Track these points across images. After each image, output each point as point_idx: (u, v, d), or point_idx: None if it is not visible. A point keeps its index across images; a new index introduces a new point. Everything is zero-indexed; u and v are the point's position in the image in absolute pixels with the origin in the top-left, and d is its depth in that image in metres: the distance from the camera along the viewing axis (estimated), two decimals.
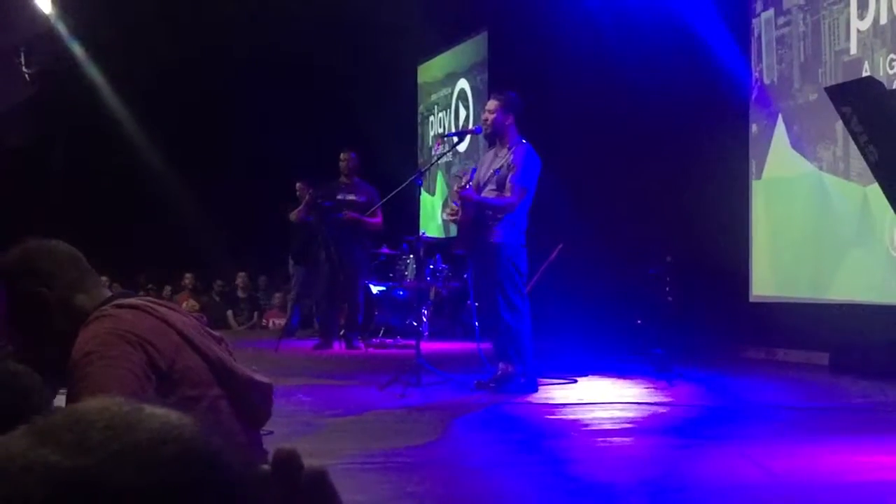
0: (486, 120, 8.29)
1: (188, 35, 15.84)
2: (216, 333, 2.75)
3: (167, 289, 16.62)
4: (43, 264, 2.64)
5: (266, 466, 0.86)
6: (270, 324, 16.29)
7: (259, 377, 2.72)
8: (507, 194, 7.98)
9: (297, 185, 13.58)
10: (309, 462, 0.88)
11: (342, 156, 12.18)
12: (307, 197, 13.19)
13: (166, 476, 0.76)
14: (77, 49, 16.48)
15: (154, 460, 0.76)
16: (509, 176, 7.99)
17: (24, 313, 2.63)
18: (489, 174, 8.16)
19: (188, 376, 2.52)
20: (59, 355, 2.50)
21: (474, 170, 8.46)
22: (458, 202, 8.16)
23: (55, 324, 2.61)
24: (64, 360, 2.47)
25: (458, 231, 8.43)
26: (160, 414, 0.80)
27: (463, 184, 8.05)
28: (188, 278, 17.18)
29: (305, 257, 13.33)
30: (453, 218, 8.33)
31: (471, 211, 8.06)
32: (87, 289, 2.67)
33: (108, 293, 2.70)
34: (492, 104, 8.29)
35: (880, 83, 6.24)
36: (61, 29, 15.85)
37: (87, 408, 0.80)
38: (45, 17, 15.40)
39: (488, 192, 8.10)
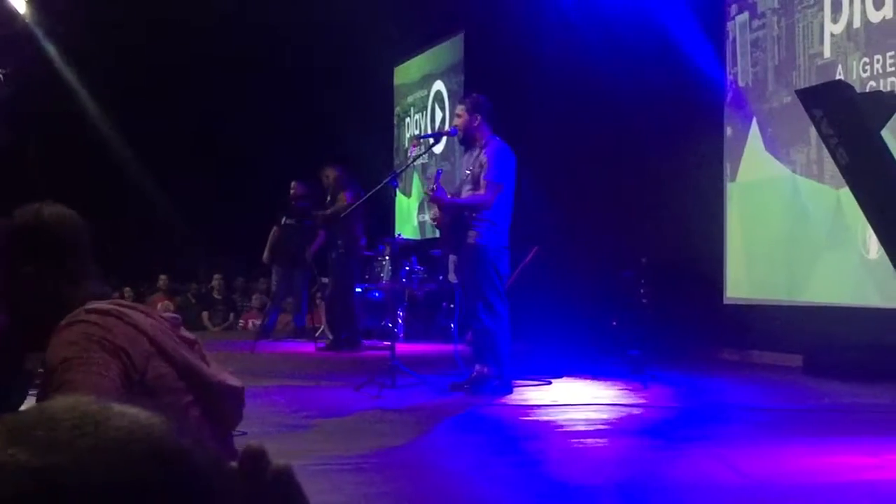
0: (457, 126, 8.34)
1: (164, 37, 15.79)
2: (189, 336, 2.67)
3: (127, 290, 16.38)
4: (55, 235, 2.51)
5: (234, 464, 0.87)
6: (250, 325, 16.25)
7: (231, 381, 2.66)
8: (482, 192, 8.00)
9: (293, 183, 13.53)
10: (276, 459, 0.88)
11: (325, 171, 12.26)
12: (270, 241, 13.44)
13: (135, 474, 0.76)
14: (52, 49, 16.39)
15: (123, 458, 0.76)
16: (482, 174, 8.02)
17: (11, 282, 2.52)
18: (466, 176, 8.19)
19: (159, 385, 2.46)
20: (26, 338, 2.46)
21: (439, 172, 8.45)
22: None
23: (33, 306, 2.52)
24: (28, 344, 2.43)
25: (441, 233, 8.45)
26: (129, 412, 0.81)
27: (431, 187, 8.09)
28: (163, 280, 17.12)
29: (283, 259, 13.35)
30: (435, 220, 8.37)
31: (448, 212, 8.08)
32: (79, 279, 2.55)
33: (92, 290, 2.57)
34: (459, 108, 8.38)
35: (851, 86, 6.28)
36: (36, 29, 15.78)
37: (56, 406, 0.80)
38: (20, 17, 15.33)
39: (466, 193, 8.12)
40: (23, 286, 2.50)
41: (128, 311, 2.50)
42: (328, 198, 12.16)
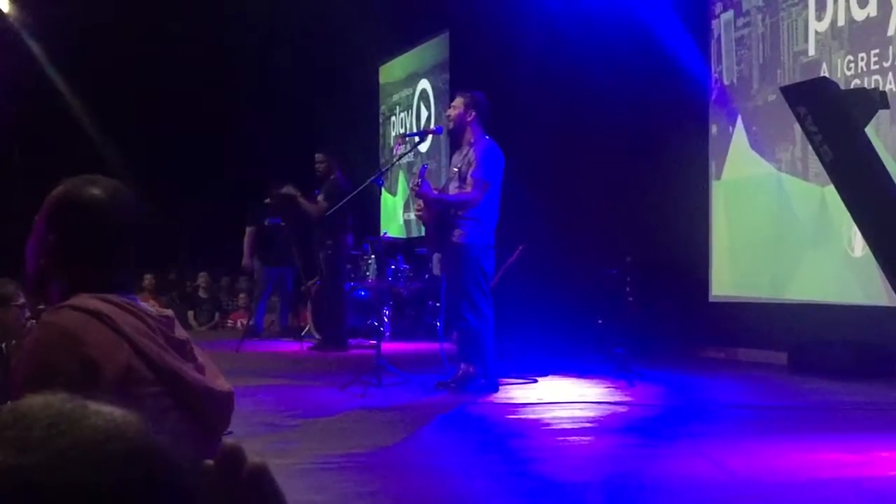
0: (450, 116, 8.34)
1: (149, 36, 15.74)
2: (182, 336, 2.50)
3: (149, 277, 16.37)
4: (92, 214, 2.38)
5: (210, 462, 0.86)
6: (238, 324, 16.19)
7: (218, 386, 2.53)
8: (468, 189, 8.00)
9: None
10: (253, 457, 0.87)
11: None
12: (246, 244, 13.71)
13: (110, 474, 0.75)
14: (35, 48, 16.33)
15: (98, 458, 0.76)
16: (469, 171, 8.01)
17: (35, 247, 2.41)
18: (453, 173, 8.20)
19: (137, 390, 2.33)
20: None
21: (424, 167, 8.45)
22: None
23: (42, 274, 2.43)
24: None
25: (426, 230, 8.44)
26: (105, 411, 0.80)
27: (416, 182, 8.07)
28: (148, 279, 17.04)
29: (274, 259, 13.37)
30: (419, 213, 8.35)
31: (433, 209, 8.07)
32: (103, 265, 2.41)
33: (109, 280, 2.42)
34: (456, 101, 8.34)
35: (835, 84, 6.30)
36: (19, 28, 15.72)
37: (30, 405, 0.80)
38: (3, 16, 15.27)
39: (453, 190, 8.12)
40: (41, 253, 2.40)
41: (114, 312, 2.33)
42: (322, 184, 12.05)
